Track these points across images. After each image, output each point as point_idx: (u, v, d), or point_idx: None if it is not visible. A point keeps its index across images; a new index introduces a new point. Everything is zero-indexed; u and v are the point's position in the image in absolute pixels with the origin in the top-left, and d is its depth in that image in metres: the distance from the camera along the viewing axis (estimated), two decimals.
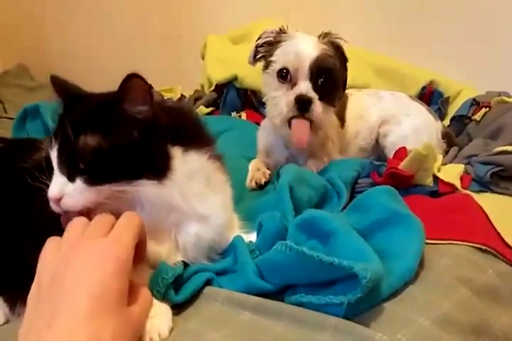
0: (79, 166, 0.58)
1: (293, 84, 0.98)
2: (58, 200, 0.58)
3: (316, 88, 0.97)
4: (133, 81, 0.57)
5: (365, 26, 1.58)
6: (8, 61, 2.41)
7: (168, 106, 0.69)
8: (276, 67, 0.99)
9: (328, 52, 0.98)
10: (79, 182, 0.58)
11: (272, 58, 1.00)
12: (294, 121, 0.97)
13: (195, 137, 0.68)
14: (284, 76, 0.98)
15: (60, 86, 0.66)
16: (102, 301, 0.48)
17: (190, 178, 0.65)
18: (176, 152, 0.63)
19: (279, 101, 0.98)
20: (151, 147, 0.60)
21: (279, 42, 1.01)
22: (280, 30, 1.03)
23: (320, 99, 0.96)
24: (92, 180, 0.58)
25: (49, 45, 2.38)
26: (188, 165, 0.64)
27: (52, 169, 0.60)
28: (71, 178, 0.59)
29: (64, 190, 0.58)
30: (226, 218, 0.70)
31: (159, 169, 0.61)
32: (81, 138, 0.58)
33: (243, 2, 1.87)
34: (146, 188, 0.60)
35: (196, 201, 0.66)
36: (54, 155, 0.60)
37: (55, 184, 0.59)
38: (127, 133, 0.59)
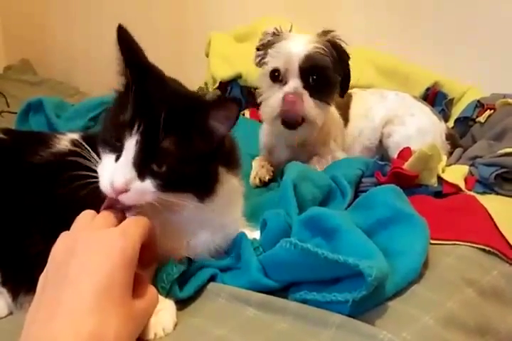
0: (155, 169, 0.57)
1: (284, 83, 0.99)
2: (120, 192, 0.56)
3: (307, 86, 0.97)
4: (233, 106, 0.58)
5: (368, 26, 1.57)
6: (12, 56, 2.41)
7: None
8: (268, 68, 1.01)
9: (319, 50, 0.98)
10: (149, 183, 0.57)
11: (265, 60, 1.02)
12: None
13: (232, 159, 0.69)
14: (276, 76, 0.99)
15: (126, 43, 0.65)
16: (107, 292, 0.48)
17: (224, 200, 0.66)
18: (221, 175, 0.65)
19: (270, 100, 0.99)
20: (210, 168, 0.62)
21: (273, 43, 1.02)
22: (275, 31, 1.04)
23: (312, 96, 0.97)
24: (163, 186, 0.57)
25: (52, 41, 2.38)
26: (226, 188, 0.66)
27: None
28: (142, 176, 0.57)
29: (131, 184, 0.57)
30: (239, 227, 0.72)
31: (207, 191, 0.63)
32: (167, 141, 0.57)
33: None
34: (188, 204, 0.61)
35: (222, 218, 0.68)
36: (131, 144, 0.56)
37: (123, 175, 0.56)
38: (202, 148, 0.59)
